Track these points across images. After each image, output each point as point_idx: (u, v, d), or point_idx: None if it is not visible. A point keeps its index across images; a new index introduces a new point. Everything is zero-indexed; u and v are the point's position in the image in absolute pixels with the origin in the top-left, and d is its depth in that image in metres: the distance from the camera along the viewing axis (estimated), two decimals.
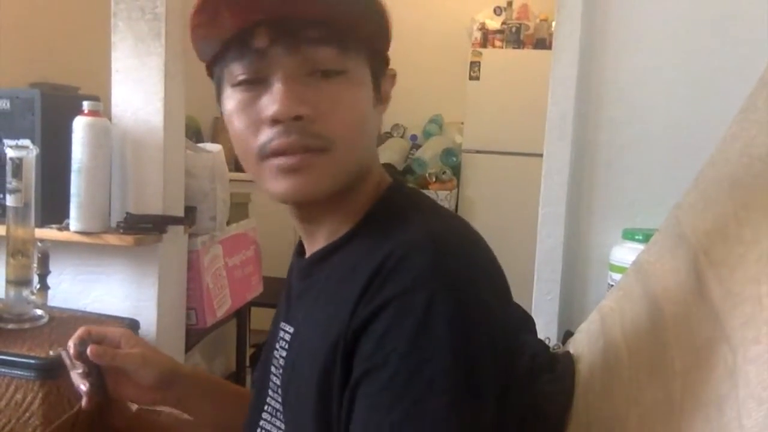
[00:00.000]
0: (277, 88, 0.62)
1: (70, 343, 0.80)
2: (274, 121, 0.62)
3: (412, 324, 0.57)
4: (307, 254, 0.74)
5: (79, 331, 0.81)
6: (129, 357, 0.81)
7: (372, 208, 0.69)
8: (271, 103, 0.62)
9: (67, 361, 0.81)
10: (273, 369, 0.74)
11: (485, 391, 0.59)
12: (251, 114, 0.64)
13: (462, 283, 0.60)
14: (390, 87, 0.73)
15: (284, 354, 0.72)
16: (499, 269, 0.68)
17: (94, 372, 0.80)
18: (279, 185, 0.65)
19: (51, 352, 0.82)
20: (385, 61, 0.71)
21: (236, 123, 0.66)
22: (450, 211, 0.73)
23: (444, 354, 0.56)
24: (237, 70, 0.65)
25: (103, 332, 0.84)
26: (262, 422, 0.75)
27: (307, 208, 0.71)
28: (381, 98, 0.70)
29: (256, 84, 0.64)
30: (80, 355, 0.79)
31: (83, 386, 0.79)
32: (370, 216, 0.69)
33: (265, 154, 0.64)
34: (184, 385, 0.86)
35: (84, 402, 0.80)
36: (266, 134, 0.63)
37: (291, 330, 0.72)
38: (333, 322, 0.62)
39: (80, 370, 0.80)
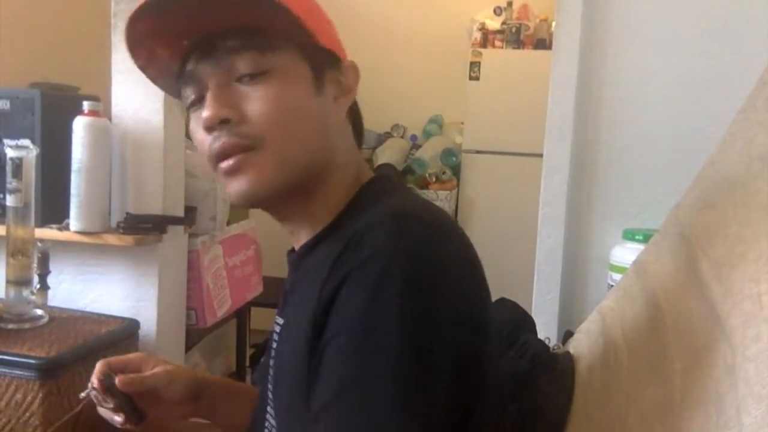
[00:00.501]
0: (207, 99, 0.67)
1: (94, 379, 0.80)
2: (208, 128, 0.67)
3: (365, 291, 0.58)
4: (296, 251, 0.76)
5: (99, 366, 0.81)
6: (156, 377, 0.83)
7: (352, 200, 0.71)
8: (204, 114, 0.67)
9: (98, 399, 0.80)
10: (271, 362, 0.76)
11: (437, 357, 0.58)
12: (200, 129, 0.69)
13: (420, 256, 0.59)
14: (352, 78, 0.73)
15: (275, 345, 0.74)
16: (475, 258, 0.67)
17: (125, 401, 0.80)
18: (230, 188, 0.69)
19: (81, 395, 0.82)
20: (329, 53, 0.71)
21: (196, 141, 0.70)
22: (430, 201, 0.74)
23: (392, 319, 0.57)
24: (186, 95, 0.71)
25: (122, 360, 0.85)
26: (267, 415, 0.77)
27: (274, 208, 0.73)
28: (323, 88, 0.70)
29: (201, 102, 0.68)
30: (108, 390, 0.79)
31: (118, 418, 0.80)
32: (349, 207, 0.71)
33: (212, 161, 0.68)
34: (211, 392, 0.88)
35: None
36: (207, 143, 0.68)
37: (281, 322, 0.75)
38: (308, 306, 0.63)
39: (111, 405, 0.80)
